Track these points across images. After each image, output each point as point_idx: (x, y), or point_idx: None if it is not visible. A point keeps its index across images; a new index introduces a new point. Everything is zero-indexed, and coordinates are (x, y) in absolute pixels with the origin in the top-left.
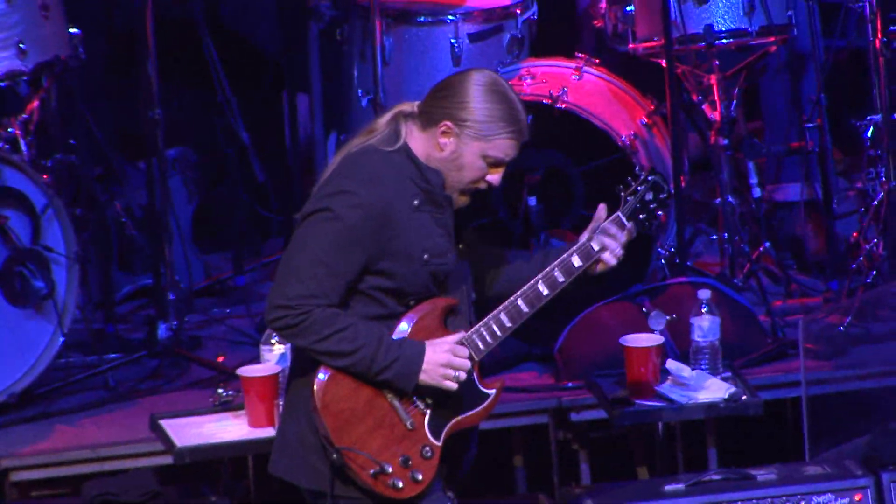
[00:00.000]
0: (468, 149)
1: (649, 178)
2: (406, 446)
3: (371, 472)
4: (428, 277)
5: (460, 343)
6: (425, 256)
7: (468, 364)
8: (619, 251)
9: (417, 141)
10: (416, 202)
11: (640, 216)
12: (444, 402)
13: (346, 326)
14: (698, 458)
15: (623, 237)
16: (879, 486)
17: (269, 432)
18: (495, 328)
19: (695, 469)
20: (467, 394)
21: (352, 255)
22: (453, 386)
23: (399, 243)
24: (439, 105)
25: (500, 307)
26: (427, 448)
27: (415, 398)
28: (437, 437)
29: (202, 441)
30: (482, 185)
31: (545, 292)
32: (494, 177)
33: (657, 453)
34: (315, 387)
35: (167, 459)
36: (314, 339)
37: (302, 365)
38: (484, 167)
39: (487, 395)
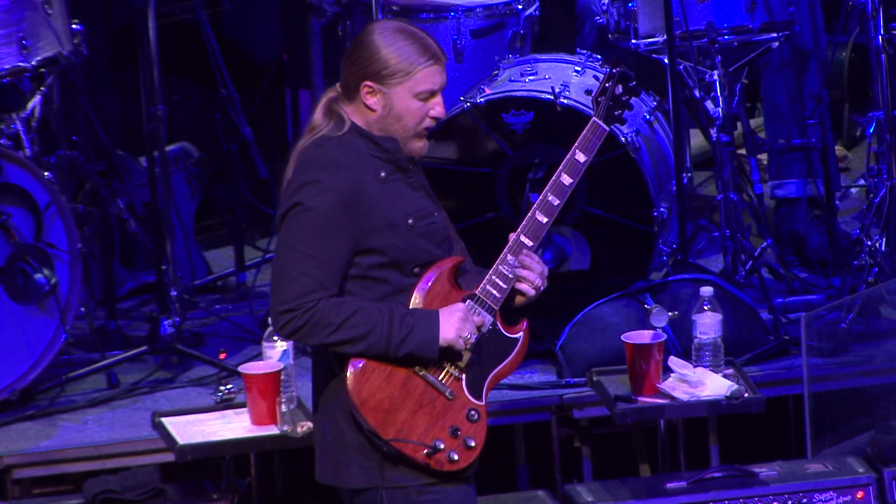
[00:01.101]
0: (395, 96)
1: (615, 71)
2: (451, 417)
3: (424, 452)
4: (422, 241)
5: (475, 298)
6: (409, 221)
7: (489, 318)
8: (538, 282)
9: (354, 116)
10: (382, 174)
11: (615, 112)
12: (475, 361)
13: (354, 311)
14: (700, 455)
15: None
16: (881, 484)
17: (272, 430)
18: (504, 271)
19: (697, 466)
20: (496, 345)
21: (335, 240)
22: (464, 344)
23: (377, 217)
24: (351, 71)
25: (504, 250)
26: (472, 411)
27: (447, 366)
28: (478, 397)
29: (204, 438)
30: (429, 123)
31: (544, 220)
32: (436, 109)
33: (659, 450)
34: (349, 386)
35: (169, 457)
36: (327, 333)
37: (324, 366)
38: (420, 105)
39: (516, 340)
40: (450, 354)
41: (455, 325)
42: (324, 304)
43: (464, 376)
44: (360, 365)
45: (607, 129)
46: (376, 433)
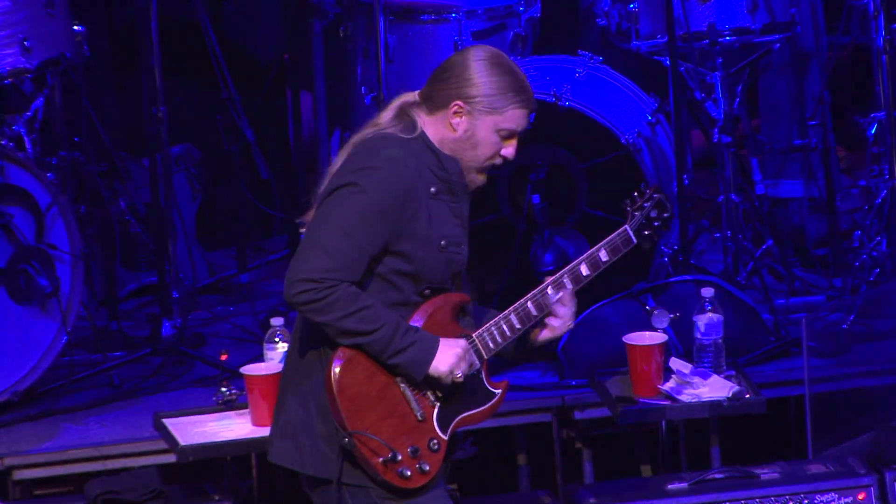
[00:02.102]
0: (481, 124)
1: (655, 195)
2: (415, 437)
3: (382, 458)
4: (444, 266)
5: (470, 341)
6: (442, 242)
7: (477, 364)
8: (570, 323)
9: (429, 127)
10: (433, 189)
11: (645, 232)
12: (453, 397)
13: (368, 305)
14: (701, 456)
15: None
16: (883, 485)
17: None
18: (505, 328)
19: (698, 467)
20: (475, 391)
21: (376, 229)
22: (451, 380)
23: (418, 225)
24: (445, 87)
25: (510, 308)
26: (434, 441)
27: (426, 390)
28: (444, 430)
29: (206, 439)
30: (498, 161)
31: (555, 297)
32: (508, 149)
33: (660, 451)
34: (333, 370)
35: (171, 458)
36: (339, 316)
37: (307, 351)
38: (498, 141)
39: (494, 395)
40: (433, 381)
41: (451, 359)
42: (345, 288)
43: (438, 405)
44: (350, 355)
45: (635, 241)
46: (343, 422)
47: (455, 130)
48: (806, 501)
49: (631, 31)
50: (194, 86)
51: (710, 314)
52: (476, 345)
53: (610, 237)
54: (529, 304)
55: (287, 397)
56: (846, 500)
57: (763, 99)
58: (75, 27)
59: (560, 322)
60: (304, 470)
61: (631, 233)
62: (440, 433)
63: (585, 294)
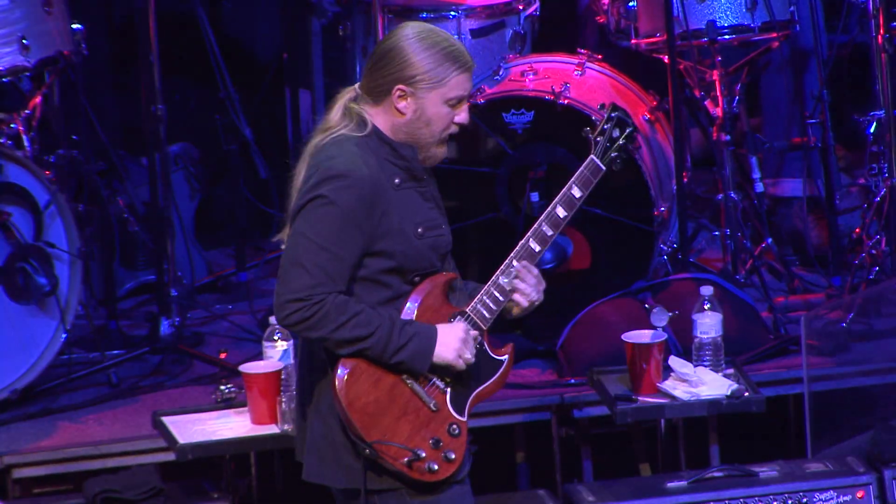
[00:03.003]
0: (428, 101)
1: (612, 114)
2: (434, 428)
3: (405, 460)
4: (428, 251)
5: (465, 316)
6: (419, 230)
7: (479, 338)
8: (534, 295)
9: (377, 118)
10: (396, 181)
11: (612, 155)
12: (461, 377)
13: (358, 311)
14: (700, 454)
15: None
16: (882, 483)
17: (272, 429)
18: (497, 294)
19: (697, 466)
20: (482, 365)
21: (351, 237)
22: (463, 365)
23: (390, 221)
24: (382, 74)
25: (497, 272)
26: (454, 426)
27: (433, 379)
28: (461, 412)
29: (205, 438)
30: (454, 129)
31: (537, 248)
32: (462, 115)
33: (659, 450)
34: (337, 386)
35: (170, 456)
36: (331, 329)
37: (316, 364)
38: (449, 111)
39: (501, 362)
40: (438, 368)
41: (455, 345)
42: (332, 300)
43: (448, 390)
44: (351, 366)
45: (604, 168)
46: (360, 435)
47: (403, 114)
48: (805, 500)
49: (630, 30)
50: (193, 85)
51: (709, 312)
52: (472, 318)
53: (578, 171)
54: (515, 262)
55: (307, 417)
56: (845, 498)
57: (764, 98)
58: (74, 26)
59: (523, 298)
60: (333, 483)
61: (598, 161)
62: (458, 416)
63: (585, 293)
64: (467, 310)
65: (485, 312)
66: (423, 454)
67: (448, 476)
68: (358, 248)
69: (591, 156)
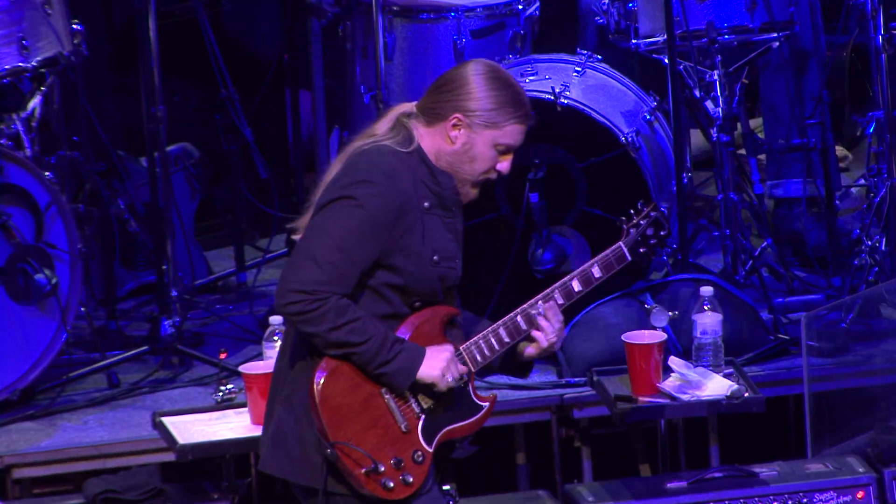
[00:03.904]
0: (480, 139)
1: (652, 213)
2: (399, 448)
3: (364, 469)
4: (436, 280)
5: (458, 354)
6: (435, 258)
7: (465, 370)
8: (553, 338)
9: (425, 139)
10: (426, 204)
11: (640, 250)
12: (439, 408)
13: (357, 318)
14: (700, 455)
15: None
16: (882, 484)
17: None
18: (493, 342)
19: (697, 466)
20: (462, 404)
21: (370, 244)
22: (445, 386)
23: (411, 240)
24: (444, 99)
25: (499, 322)
26: (419, 453)
27: (411, 400)
28: (429, 443)
29: (204, 438)
30: (493, 175)
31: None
32: (504, 164)
33: (659, 450)
34: (315, 380)
35: (170, 456)
36: (327, 328)
37: (296, 361)
38: (495, 156)
39: (481, 408)
40: (420, 389)
41: (441, 364)
42: (335, 300)
43: (423, 417)
44: (333, 366)
45: (630, 259)
46: (325, 432)
47: (453, 143)
48: (805, 500)
49: (630, 30)
50: (193, 85)
51: (709, 313)
52: (463, 357)
53: (604, 253)
54: (519, 318)
55: (276, 406)
56: (845, 498)
57: (764, 98)
58: (74, 26)
59: (543, 336)
60: (294, 479)
61: (626, 250)
62: (425, 445)
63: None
64: (461, 348)
65: (477, 356)
66: (383, 469)
67: (402, 498)
68: (373, 256)
69: (621, 243)
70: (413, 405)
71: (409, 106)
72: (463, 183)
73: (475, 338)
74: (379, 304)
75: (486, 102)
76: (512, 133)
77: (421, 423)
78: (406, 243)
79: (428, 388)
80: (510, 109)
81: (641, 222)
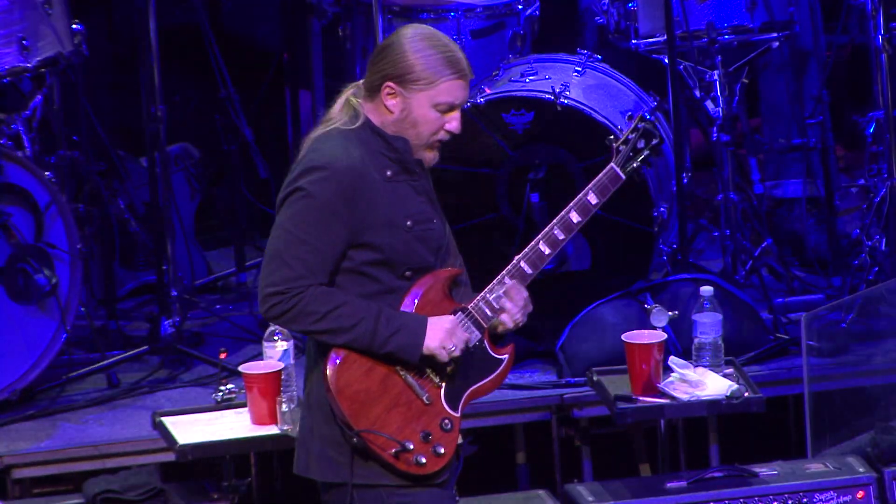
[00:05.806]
0: (415, 102)
1: (640, 125)
2: (425, 421)
3: (392, 451)
4: (417, 244)
5: (466, 313)
6: (408, 223)
7: (477, 335)
8: (519, 317)
9: (371, 113)
10: (388, 173)
11: (633, 165)
12: (458, 372)
13: (341, 303)
14: (700, 455)
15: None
16: (882, 483)
17: (272, 429)
18: (500, 292)
19: (697, 466)
20: (480, 362)
21: (331, 229)
22: (447, 357)
23: (377, 213)
24: (376, 70)
25: (503, 271)
26: (446, 420)
27: (428, 372)
28: (454, 408)
29: (204, 438)
30: (443, 136)
31: (547, 251)
32: (452, 123)
33: (659, 450)
34: (328, 372)
35: (170, 456)
36: (312, 320)
37: (310, 361)
38: (438, 116)
39: (500, 361)
40: (432, 361)
41: (440, 335)
42: (312, 292)
43: (444, 385)
44: (343, 355)
45: (624, 177)
46: (348, 422)
47: (391, 112)
48: (805, 500)
49: (630, 30)
50: (193, 85)
51: (708, 313)
52: (473, 315)
53: (597, 178)
54: (523, 263)
55: (303, 411)
56: (845, 498)
57: (764, 98)
58: (74, 26)
59: (508, 317)
60: (315, 476)
61: (618, 169)
62: (451, 412)
63: (585, 293)
64: (469, 306)
65: (487, 310)
66: (412, 446)
67: (437, 470)
68: (339, 239)
69: (612, 164)
70: (431, 375)
71: (357, 85)
72: (416, 148)
73: (482, 293)
74: (366, 284)
75: (414, 65)
76: (448, 90)
77: (443, 391)
78: (372, 218)
79: (435, 358)
80: (441, 67)
81: (630, 136)
